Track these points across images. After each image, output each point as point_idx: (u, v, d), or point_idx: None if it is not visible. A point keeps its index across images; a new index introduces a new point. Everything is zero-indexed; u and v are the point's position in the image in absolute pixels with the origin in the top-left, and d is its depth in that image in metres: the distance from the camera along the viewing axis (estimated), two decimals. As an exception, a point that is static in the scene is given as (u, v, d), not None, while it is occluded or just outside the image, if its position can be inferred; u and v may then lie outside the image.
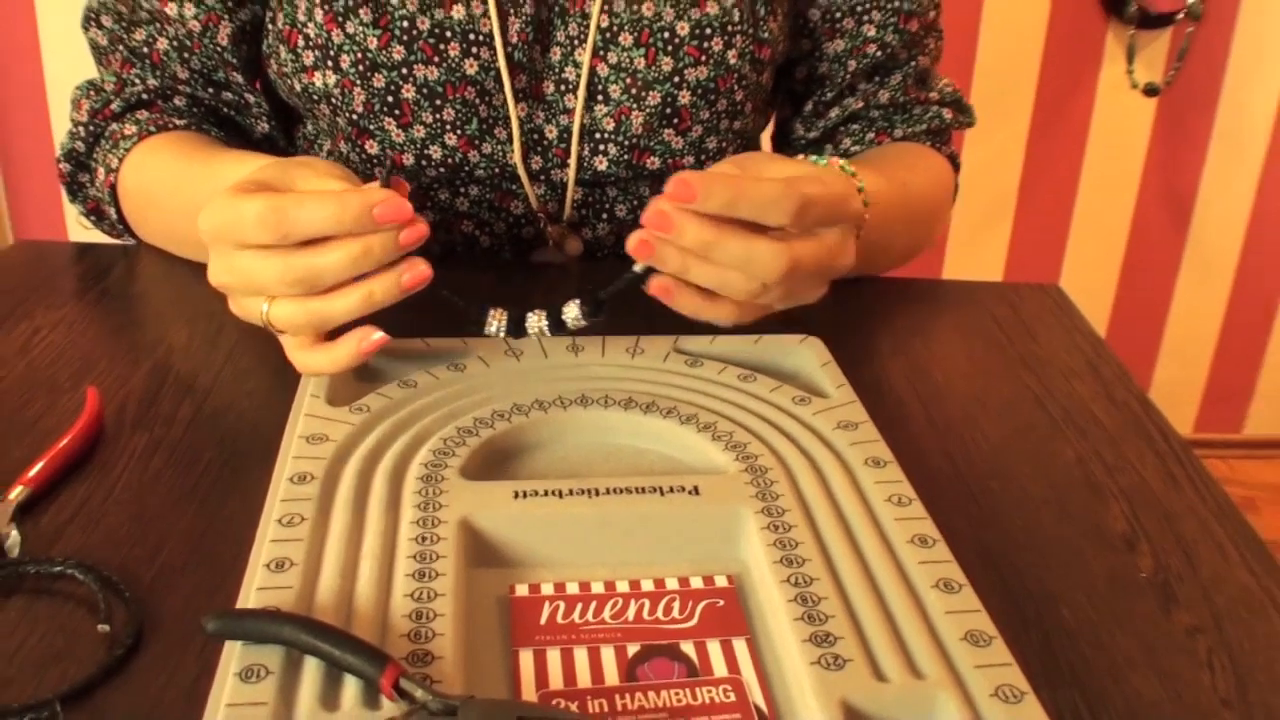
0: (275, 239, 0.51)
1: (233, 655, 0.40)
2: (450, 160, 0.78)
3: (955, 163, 0.92)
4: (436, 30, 0.75)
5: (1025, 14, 1.96)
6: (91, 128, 0.81)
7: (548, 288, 0.79)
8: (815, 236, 0.55)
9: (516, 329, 0.57)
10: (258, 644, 0.40)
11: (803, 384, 0.62)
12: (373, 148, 0.78)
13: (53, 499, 0.54)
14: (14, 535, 0.51)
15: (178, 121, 0.79)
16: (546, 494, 0.50)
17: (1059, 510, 0.56)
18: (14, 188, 2.02)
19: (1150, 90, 1.99)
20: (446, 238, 0.83)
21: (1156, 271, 2.17)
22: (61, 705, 0.40)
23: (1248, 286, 2.18)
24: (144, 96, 0.81)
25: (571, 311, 0.56)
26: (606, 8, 0.77)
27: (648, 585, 0.47)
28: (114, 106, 0.80)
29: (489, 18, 0.75)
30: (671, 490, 0.50)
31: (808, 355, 0.65)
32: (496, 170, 0.80)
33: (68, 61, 1.92)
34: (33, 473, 0.54)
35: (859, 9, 0.82)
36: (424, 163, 0.78)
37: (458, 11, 0.75)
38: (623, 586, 0.47)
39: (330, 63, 0.76)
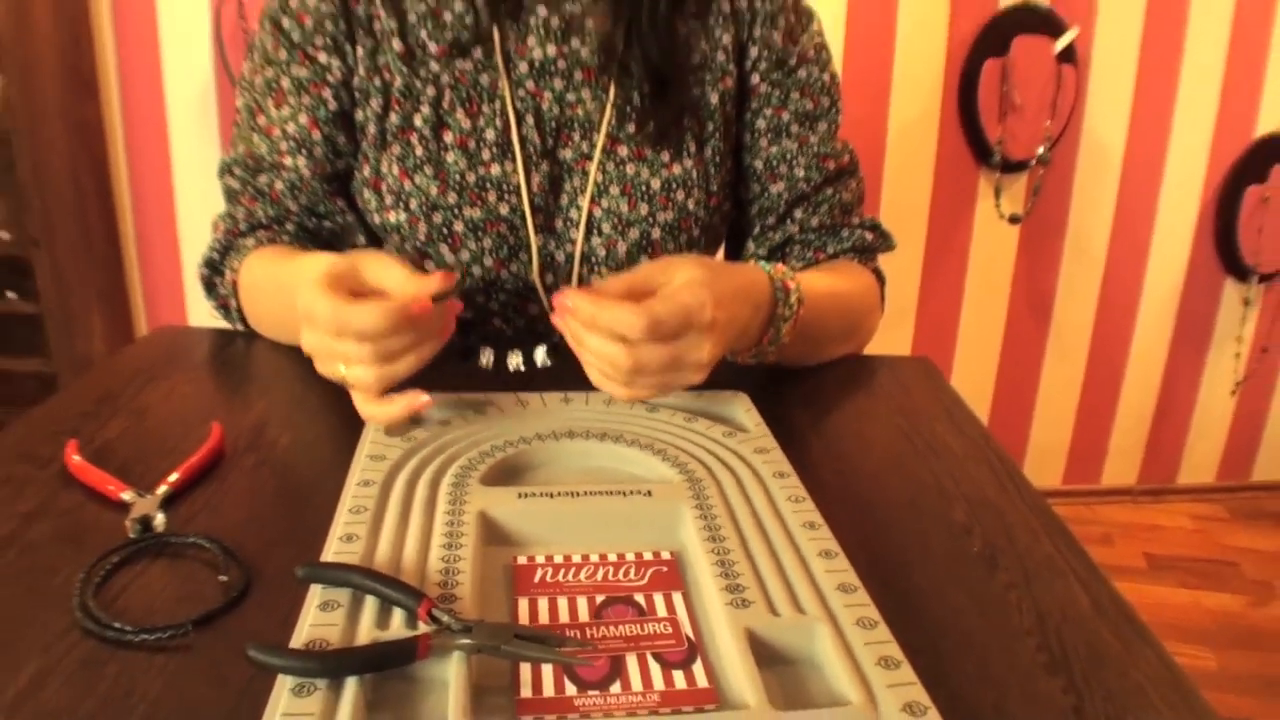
0: (337, 336, 0.56)
1: (315, 594, 0.44)
2: (486, 277, 0.82)
3: (880, 276, 0.91)
4: (479, 182, 0.79)
5: (917, 163, 2.01)
6: (224, 242, 0.84)
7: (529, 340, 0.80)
8: (664, 342, 0.57)
9: (499, 364, 0.61)
10: (332, 586, 0.44)
11: (732, 424, 0.65)
12: (430, 266, 0.81)
13: (188, 496, 0.57)
14: (160, 517, 0.54)
15: (285, 239, 0.83)
16: (542, 495, 0.53)
17: (916, 508, 0.59)
18: (149, 291, 2.08)
19: (1014, 219, 2.02)
20: (481, 331, 0.85)
21: (1027, 358, 2.18)
22: (192, 626, 0.44)
23: (1098, 366, 2.19)
24: (263, 222, 0.83)
25: (539, 354, 0.60)
26: (601, 169, 0.81)
27: (612, 557, 0.50)
28: (241, 228, 0.83)
29: (517, 174, 0.79)
30: (632, 493, 0.54)
31: (737, 404, 0.68)
32: (520, 284, 0.83)
33: (196, 196, 1.99)
34: (173, 477, 0.58)
35: (789, 157, 0.85)
36: (467, 277, 0.82)
37: (495, 169, 0.79)
38: (594, 558, 0.50)
39: (401, 204, 0.80)
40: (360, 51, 0.80)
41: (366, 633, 0.42)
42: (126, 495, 0.57)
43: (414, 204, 0.79)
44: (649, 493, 0.54)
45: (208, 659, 0.43)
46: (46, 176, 1.78)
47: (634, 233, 0.81)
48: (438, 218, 0.79)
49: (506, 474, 0.58)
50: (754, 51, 0.84)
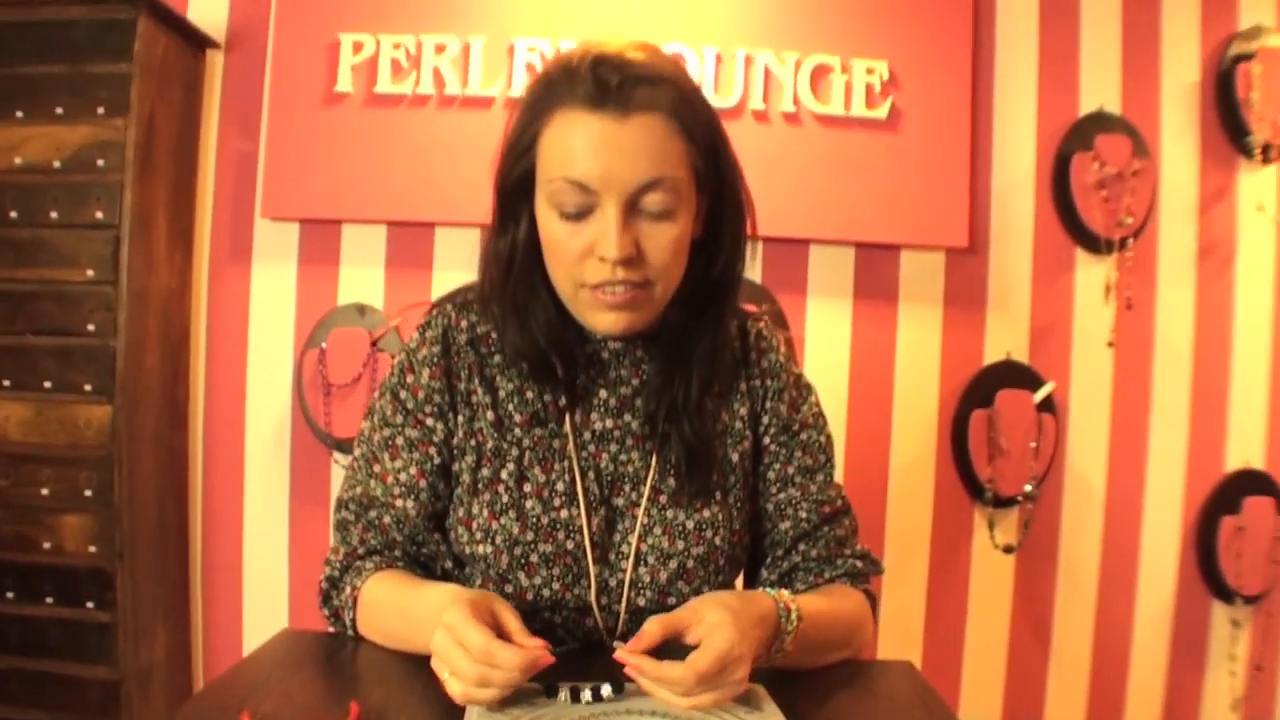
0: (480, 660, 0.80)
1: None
2: (553, 598, 1.01)
3: (871, 596, 1.10)
4: (551, 524, 1.01)
5: (916, 500, 2.26)
6: (345, 563, 1.06)
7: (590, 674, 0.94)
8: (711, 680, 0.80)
9: (574, 696, 0.84)
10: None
11: (755, 705, 0.85)
12: (509, 588, 1.01)
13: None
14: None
15: (399, 565, 1.06)
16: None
17: None
18: (208, 608, 2.29)
19: (1008, 549, 2.23)
20: (547, 637, 1.03)
21: (1031, 679, 2.30)
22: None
23: (1101, 687, 2.30)
24: (376, 548, 1.06)
25: (606, 689, 0.84)
26: (646, 513, 1.04)
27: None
28: (359, 552, 1.06)
29: (581, 518, 1.03)
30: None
31: (757, 692, 0.87)
32: (580, 604, 1.02)
33: (261, 524, 2.25)
34: None
35: (794, 502, 1.09)
36: (538, 598, 1.02)
37: (564, 514, 1.02)
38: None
39: (489, 539, 1.01)
40: (460, 419, 1.07)
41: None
42: (296, 756, 0.77)
43: (499, 540, 1.03)
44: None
45: None
46: (137, 497, 2.06)
47: (673, 564, 1.04)
48: (518, 551, 1.02)
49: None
50: (765, 420, 1.12)
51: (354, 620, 1.05)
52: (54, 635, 2.04)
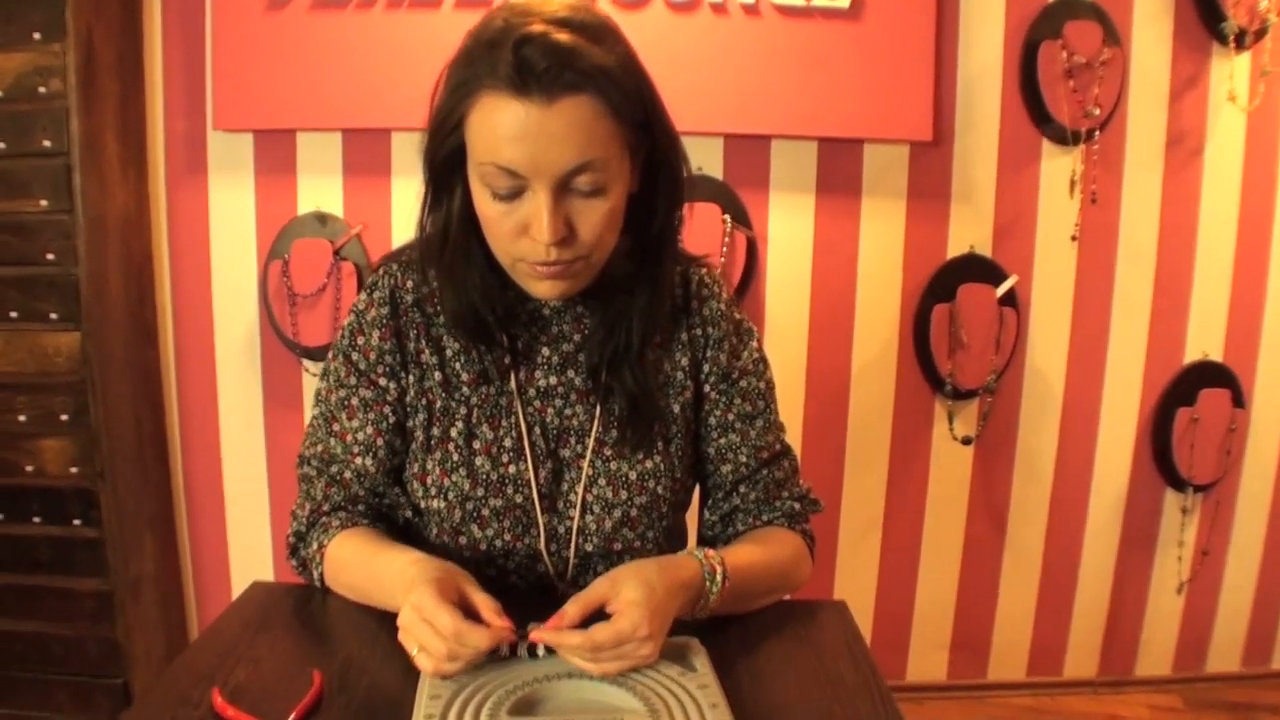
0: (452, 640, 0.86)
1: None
2: (505, 547, 1.08)
3: (808, 537, 1.17)
4: (500, 480, 1.07)
5: (878, 394, 2.33)
6: (310, 519, 1.12)
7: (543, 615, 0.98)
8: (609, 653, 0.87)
9: (513, 651, 0.91)
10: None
11: (685, 664, 0.92)
12: (462, 540, 1.08)
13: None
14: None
15: (363, 521, 1.12)
16: (550, 724, 0.82)
17: None
18: (193, 517, 2.38)
19: (966, 440, 2.32)
20: (499, 586, 1.09)
21: (986, 564, 2.43)
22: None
23: (1053, 571, 2.43)
24: (340, 503, 1.12)
25: (540, 649, 0.91)
26: (591, 465, 1.10)
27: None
28: (324, 508, 1.12)
29: (529, 471, 1.09)
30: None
31: (690, 648, 0.95)
32: (531, 552, 1.09)
33: (239, 433, 2.32)
34: (296, 708, 0.85)
35: (734, 447, 1.15)
36: (491, 548, 1.09)
37: (512, 469, 1.08)
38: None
39: (442, 495, 1.07)
40: (410, 378, 1.12)
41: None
42: (265, 728, 0.85)
43: (451, 495, 1.09)
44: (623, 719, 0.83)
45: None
46: (113, 417, 2.11)
47: (617, 513, 1.11)
48: (470, 505, 1.09)
49: (527, 706, 0.86)
50: (706, 368, 1.16)
51: (321, 576, 1.12)
52: (44, 552, 2.14)
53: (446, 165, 1.01)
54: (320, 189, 2.23)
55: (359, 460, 1.13)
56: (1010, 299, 2.26)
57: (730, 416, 1.17)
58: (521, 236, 0.97)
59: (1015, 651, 2.50)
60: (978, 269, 2.27)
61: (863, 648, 1.02)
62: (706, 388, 1.17)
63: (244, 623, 1.06)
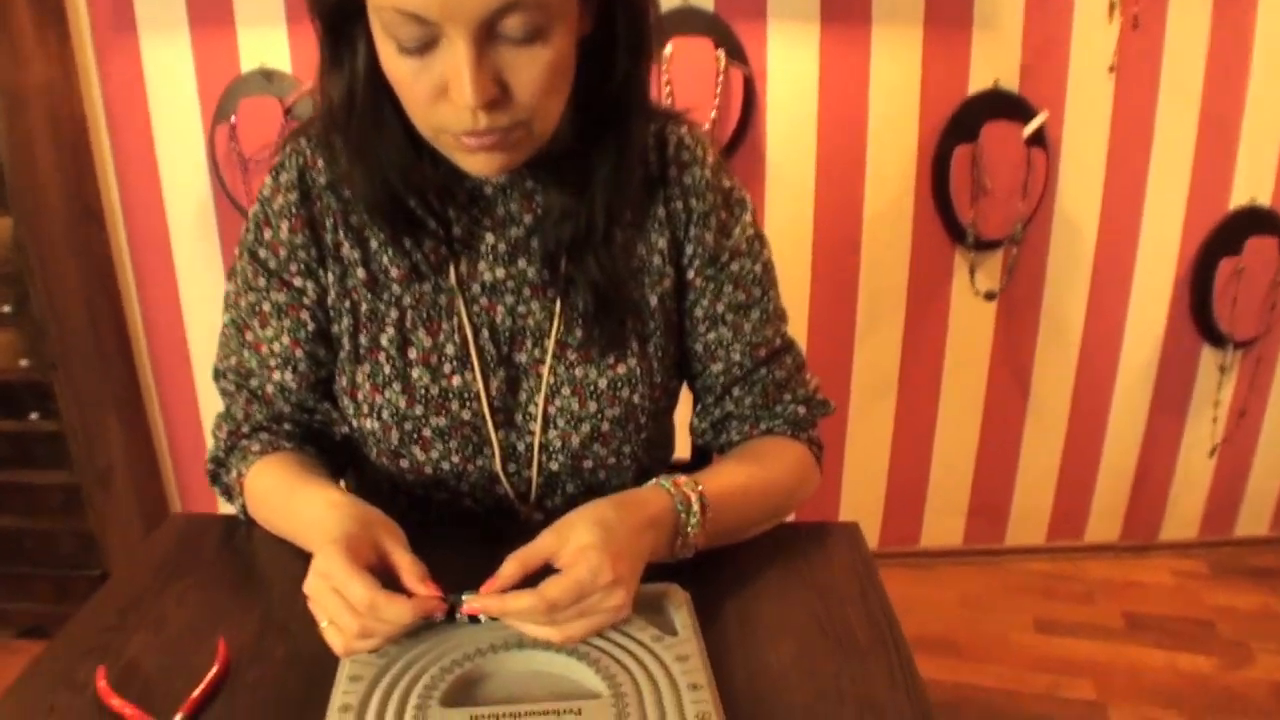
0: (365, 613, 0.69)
1: None
2: (454, 471, 0.94)
3: (815, 445, 1.00)
4: (443, 394, 0.91)
5: (894, 244, 2.12)
6: (229, 443, 0.96)
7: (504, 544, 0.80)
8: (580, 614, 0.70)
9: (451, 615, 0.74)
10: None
11: (663, 623, 0.76)
12: (404, 463, 0.93)
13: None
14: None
15: (286, 444, 0.94)
16: (489, 717, 0.65)
17: (811, 714, 0.68)
18: (164, 402, 2.23)
19: (989, 295, 2.13)
20: (452, 510, 0.97)
21: (1008, 424, 2.28)
22: None
23: (1078, 432, 2.28)
24: (262, 423, 0.96)
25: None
26: (553, 371, 0.92)
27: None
28: (243, 429, 0.96)
29: (477, 382, 0.91)
30: (565, 713, 0.65)
31: (669, 599, 0.78)
32: (485, 475, 0.94)
33: (201, 308, 2.14)
34: (187, 704, 0.70)
35: (725, 343, 0.96)
36: (438, 471, 0.94)
37: (456, 380, 0.91)
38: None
39: (375, 414, 0.91)
40: (330, 277, 0.92)
41: None
42: (149, 726, 0.70)
43: (385, 414, 0.92)
44: (579, 712, 0.66)
45: None
46: (60, 304, 1.93)
47: (585, 427, 0.93)
48: (408, 425, 0.92)
49: (466, 686, 0.70)
50: (689, 250, 0.95)
51: (244, 507, 0.97)
52: (4, 448, 2.00)
53: (341, 12, 0.77)
54: (264, 42, 1.97)
55: (277, 375, 0.95)
56: (1039, 139, 2.02)
57: (720, 307, 0.97)
58: (440, 100, 0.75)
59: (1035, 516, 2.37)
60: (1003, 105, 2.02)
61: (878, 590, 0.85)
62: (690, 274, 0.96)
63: (154, 569, 0.91)
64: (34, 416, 1.96)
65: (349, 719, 0.66)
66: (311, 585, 0.72)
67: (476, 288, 0.92)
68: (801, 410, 0.99)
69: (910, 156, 2.07)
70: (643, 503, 0.79)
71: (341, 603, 0.69)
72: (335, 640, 0.71)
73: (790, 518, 0.97)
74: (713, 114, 2.02)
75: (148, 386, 2.22)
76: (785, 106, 2.03)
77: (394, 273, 0.92)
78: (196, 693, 0.72)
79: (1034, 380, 2.25)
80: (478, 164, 0.80)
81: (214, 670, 0.74)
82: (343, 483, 1.07)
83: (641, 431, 0.96)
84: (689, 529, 0.81)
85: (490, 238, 0.92)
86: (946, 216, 2.09)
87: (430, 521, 0.97)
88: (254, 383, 0.96)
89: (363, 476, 1.03)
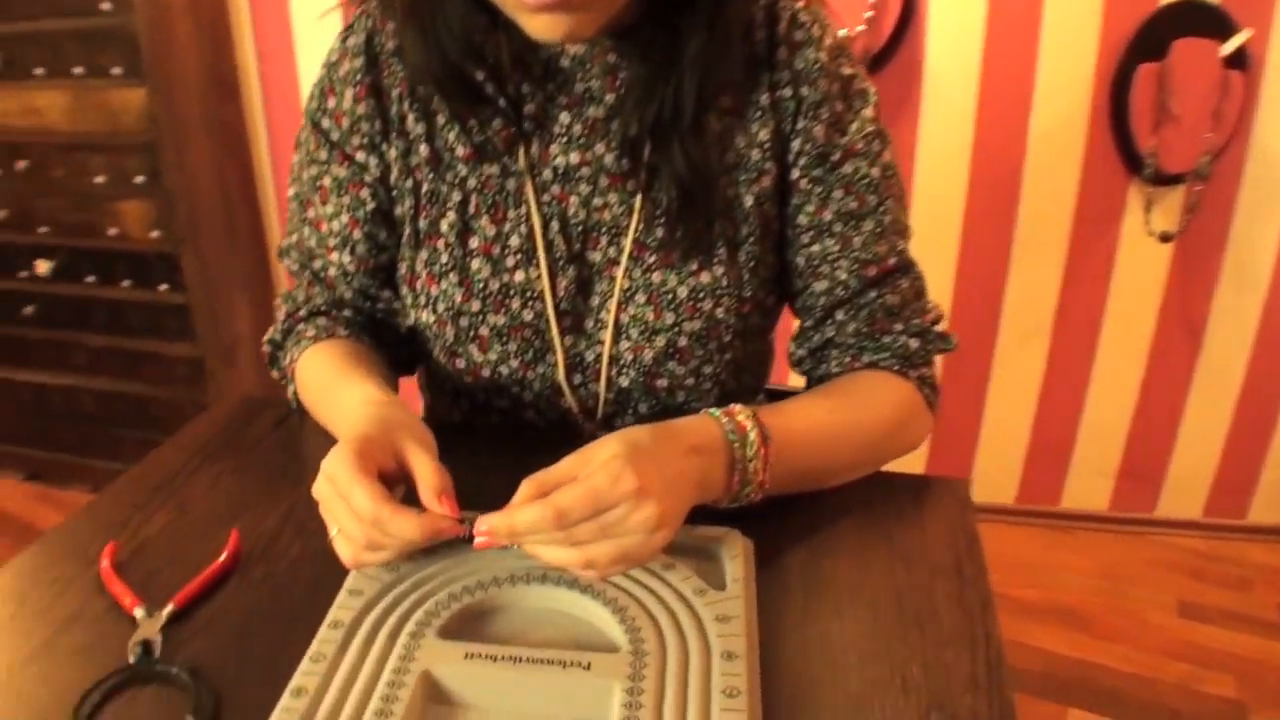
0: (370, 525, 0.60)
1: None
2: (513, 377, 0.85)
3: (927, 385, 0.84)
4: (503, 290, 0.81)
5: (1061, 170, 1.89)
6: (286, 325, 0.90)
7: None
8: (593, 520, 0.57)
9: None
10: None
11: (712, 572, 0.65)
12: (460, 363, 0.85)
13: (195, 613, 0.64)
14: (159, 640, 0.61)
15: (342, 331, 0.86)
16: (486, 658, 0.56)
17: (863, 709, 0.56)
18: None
19: (1165, 237, 1.88)
20: (515, 419, 0.89)
21: (1172, 381, 2.03)
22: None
23: (1253, 396, 2.01)
24: (322, 307, 0.89)
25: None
26: (628, 275, 0.81)
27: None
28: (301, 313, 0.89)
29: (542, 280, 0.81)
30: (571, 665, 0.56)
31: (727, 545, 0.67)
32: (548, 385, 0.85)
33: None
34: (181, 594, 0.64)
35: (830, 258, 0.82)
36: (496, 375, 0.85)
37: (519, 275, 0.81)
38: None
39: (430, 307, 0.83)
40: (394, 152, 0.83)
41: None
42: (139, 612, 0.64)
43: (440, 308, 0.83)
44: (588, 665, 0.56)
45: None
46: (192, 178, 1.93)
47: (660, 340, 0.81)
48: (464, 322, 0.82)
49: (472, 618, 0.61)
50: (795, 145, 0.81)
51: (294, 394, 0.90)
52: (135, 316, 2.04)
53: None
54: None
55: (335, 256, 0.88)
56: (1239, 60, 1.74)
57: (826, 215, 0.82)
58: None
59: (1193, 487, 2.12)
60: (1199, 20, 1.75)
61: (977, 565, 0.70)
62: (795, 173, 0.82)
63: (196, 449, 0.86)
64: (163, 288, 1.99)
65: (337, 635, 0.59)
66: (319, 489, 0.63)
67: (548, 173, 0.81)
68: (913, 343, 0.84)
69: (1086, 74, 1.82)
70: (684, 428, 0.67)
71: (349, 511, 0.61)
72: (344, 550, 0.63)
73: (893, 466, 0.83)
74: (867, 15, 1.82)
75: (277, 264, 2.22)
76: (948, 13, 1.82)
77: (460, 151, 0.82)
78: (192, 585, 0.66)
79: (1208, 336, 1.98)
80: (543, 26, 0.68)
81: (218, 562, 0.68)
82: (416, 378, 1.00)
83: (725, 351, 0.83)
84: (748, 464, 0.69)
85: (565, 118, 0.80)
86: (1123, 144, 1.85)
87: (493, 431, 0.89)
88: (316, 264, 0.89)
89: (430, 374, 0.95)
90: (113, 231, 1.95)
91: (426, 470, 0.63)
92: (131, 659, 0.60)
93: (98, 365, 2.11)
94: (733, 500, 0.70)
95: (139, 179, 1.88)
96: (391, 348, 0.92)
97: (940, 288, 1.99)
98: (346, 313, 0.90)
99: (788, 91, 0.80)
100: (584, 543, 0.58)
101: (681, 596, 0.63)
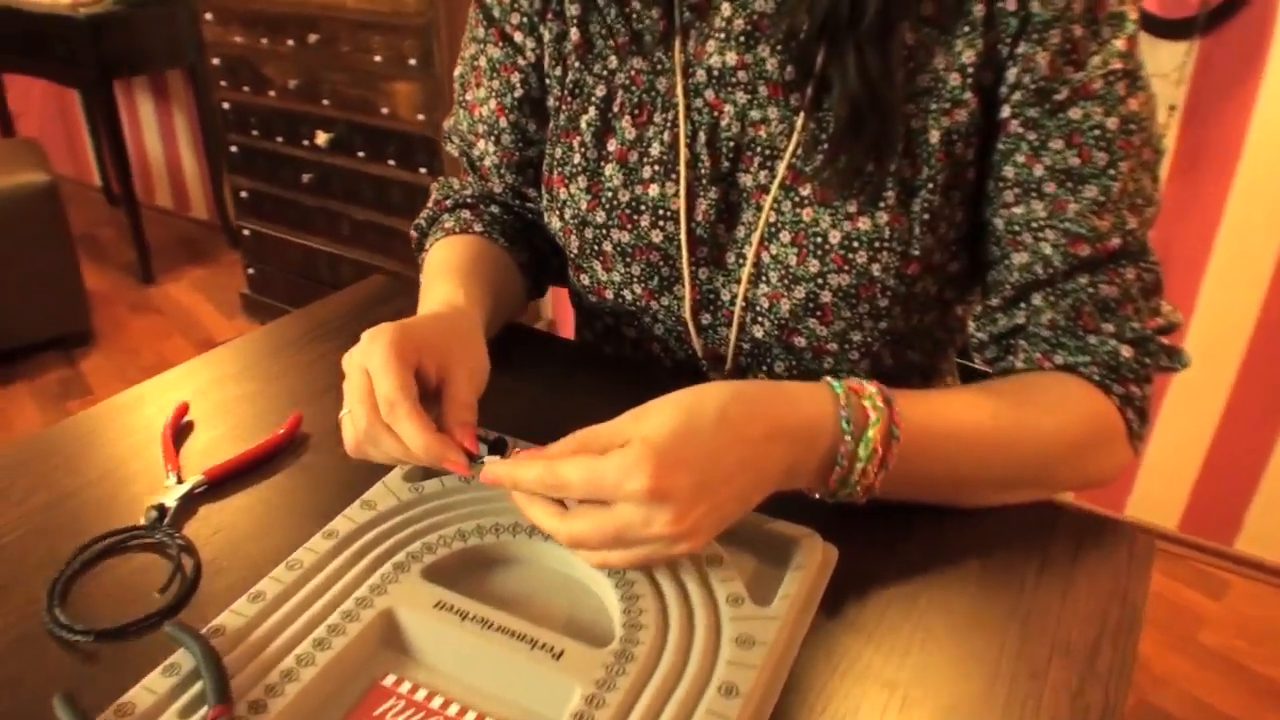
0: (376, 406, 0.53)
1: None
2: (637, 303, 0.75)
3: (1133, 407, 0.64)
4: (633, 203, 0.71)
5: None
6: (432, 212, 0.85)
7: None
8: (598, 512, 0.47)
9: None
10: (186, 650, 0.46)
11: (768, 579, 0.52)
12: (585, 279, 0.77)
13: (225, 487, 0.61)
14: (173, 509, 0.58)
15: (477, 227, 0.80)
16: (456, 612, 0.48)
17: None
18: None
19: None
20: (641, 352, 0.80)
21: None
22: (95, 637, 0.49)
23: None
24: (469, 199, 0.83)
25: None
26: (776, 207, 0.67)
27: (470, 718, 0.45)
28: (447, 202, 0.84)
29: (678, 198, 0.69)
30: (541, 647, 0.46)
31: (801, 552, 0.53)
32: (674, 319, 0.74)
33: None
34: (218, 467, 0.62)
35: (1035, 225, 0.64)
36: (619, 299, 0.75)
37: (653, 190, 0.70)
38: (454, 710, 0.45)
39: (558, 211, 0.75)
40: (548, 34, 0.74)
41: (173, 715, 0.42)
42: (170, 478, 0.61)
43: (568, 214, 0.74)
44: (559, 655, 0.46)
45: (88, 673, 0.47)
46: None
47: (800, 291, 0.68)
48: (588, 234, 0.73)
49: (467, 564, 0.53)
50: (1011, 74, 0.63)
51: None
52: (396, 195, 2.12)
53: None
54: None
55: (481, 144, 0.81)
56: None
57: (1038, 171, 0.64)
58: None
59: None
60: None
61: (1125, 648, 0.52)
62: (1005, 110, 0.64)
63: (316, 324, 0.84)
64: (423, 171, 2.04)
65: (325, 545, 0.53)
66: (349, 360, 0.57)
67: (702, 74, 0.69)
68: (1126, 351, 0.64)
69: None
70: (788, 400, 0.53)
71: (366, 391, 0.54)
72: (347, 432, 0.56)
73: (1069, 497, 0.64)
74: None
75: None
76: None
77: (613, 40, 0.71)
78: (232, 460, 0.62)
79: None
80: None
81: (265, 439, 0.64)
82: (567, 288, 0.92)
83: (880, 319, 0.68)
84: (856, 463, 0.54)
85: (727, 9, 0.67)
86: None
87: (621, 360, 0.81)
88: (475, 151, 0.83)
89: (570, 287, 0.87)
90: (385, 110, 2.01)
91: (461, 399, 0.56)
92: (143, 520, 0.57)
93: (359, 238, 2.22)
94: (829, 496, 0.56)
95: (412, 61, 1.92)
96: (542, 254, 0.84)
97: (1244, 303, 1.63)
98: (494, 209, 0.84)
99: (1011, 3, 0.62)
100: (582, 531, 0.48)
101: (711, 601, 0.50)
